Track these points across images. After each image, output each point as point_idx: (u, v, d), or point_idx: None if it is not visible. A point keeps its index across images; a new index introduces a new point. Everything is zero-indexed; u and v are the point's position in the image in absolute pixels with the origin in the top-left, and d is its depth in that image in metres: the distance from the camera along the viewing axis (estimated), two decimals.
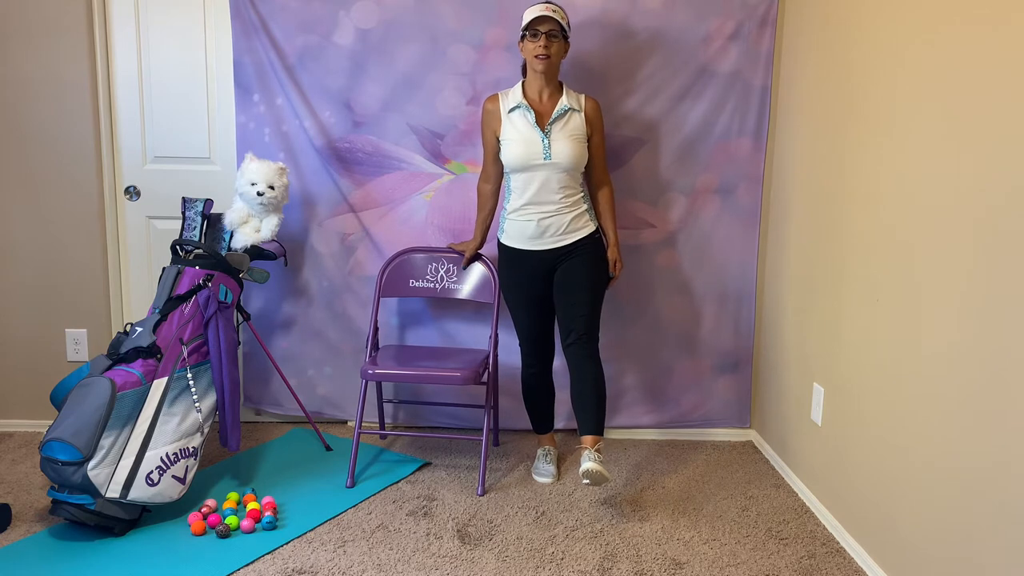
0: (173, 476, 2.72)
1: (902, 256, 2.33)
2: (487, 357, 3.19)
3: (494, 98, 3.02)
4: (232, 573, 2.46)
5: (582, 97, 3.01)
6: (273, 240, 3.18)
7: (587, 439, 2.84)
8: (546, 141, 2.90)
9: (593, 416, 2.87)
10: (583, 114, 2.97)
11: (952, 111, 2.10)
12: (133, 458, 2.65)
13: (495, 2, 3.27)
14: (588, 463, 2.73)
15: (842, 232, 2.72)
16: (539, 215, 2.95)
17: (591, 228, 3.01)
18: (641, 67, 3.31)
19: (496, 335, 3.22)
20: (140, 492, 2.64)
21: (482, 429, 3.12)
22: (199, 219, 3.16)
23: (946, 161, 2.12)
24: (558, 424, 3.46)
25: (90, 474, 2.55)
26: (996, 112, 1.92)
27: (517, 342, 3.16)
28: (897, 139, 2.37)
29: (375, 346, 3.29)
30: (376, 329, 3.29)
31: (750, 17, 3.28)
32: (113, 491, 2.59)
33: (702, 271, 3.46)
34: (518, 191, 2.97)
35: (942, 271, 2.13)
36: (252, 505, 2.77)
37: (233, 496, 2.85)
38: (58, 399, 2.83)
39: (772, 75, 3.32)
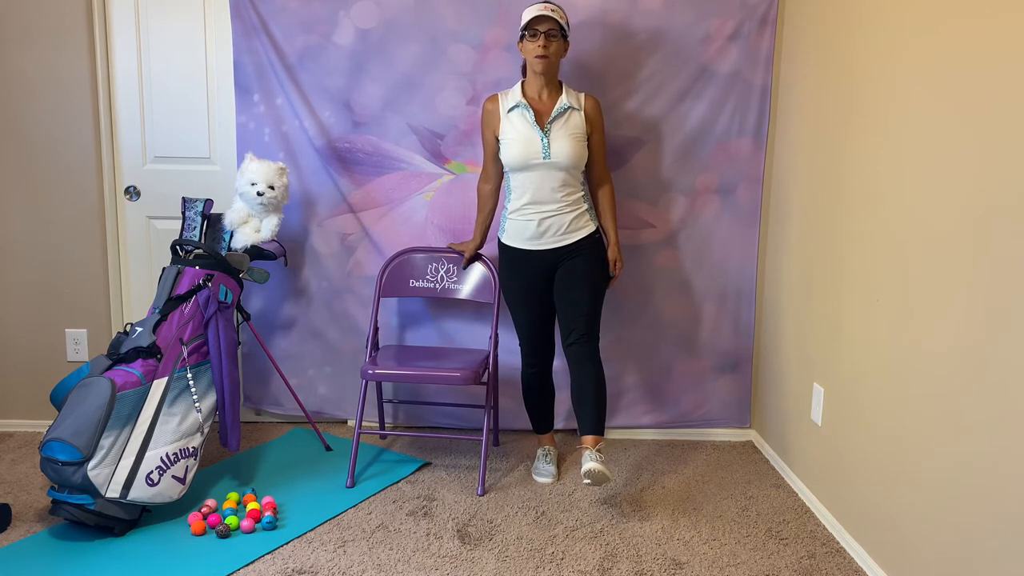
0: (173, 476, 2.72)
1: (902, 256, 2.33)
2: (487, 357, 3.19)
3: (493, 98, 3.02)
4: (232, 573, 2.46)
5: (582, 96, 3.01)
6: (273, 240, 3.18)
7: (588, 439, 2.85)
8: (545, 140, 2.90)
9: (593, 416, 2.87)
10: (583, 112, 2.97)
11: (952, 111, 2.10)
12: (133, 458, 2.65)
13: (495, 2, 3.27)
14: (590, 463, 2.73)
15: (842, 232, 2.72)
16: (539, 215, 2.95)
17: (591, 228, 3.01)
18: (641, 67, 3.31)
19: (496, 335, 3.22)
20: (140, 492, 2.64)
21: (482, 429, 3.12)
22: (199, 219, 3.16)
23: (946, 161, 2.12)
24: (558, 424, 3.46)
25: (90, 474, 2.55)
26: (996, 112, 1.92)
27: (517, 342, 3.16)
28: (897, 139, 2.37)
29: (375, 346, 3.29)
30: (376, 329, 3.29)
31: (750, 17, 3.28)
32: (113, 491, 2.59)
33: (702, 271, 3.46)
34: (518, 190, 2.97)
35: (942, 271, 2.13)
36: (252, 505, 2.76)
37: (233, 496, 2.85)
38: (58, 399, 2.83)
39: (772, 75, 3.32)
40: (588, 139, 2.98)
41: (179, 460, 2.74)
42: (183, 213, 3.17)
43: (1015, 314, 1.85)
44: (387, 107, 3.36)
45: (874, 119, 2.51)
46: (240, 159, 3.37)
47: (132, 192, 3.50)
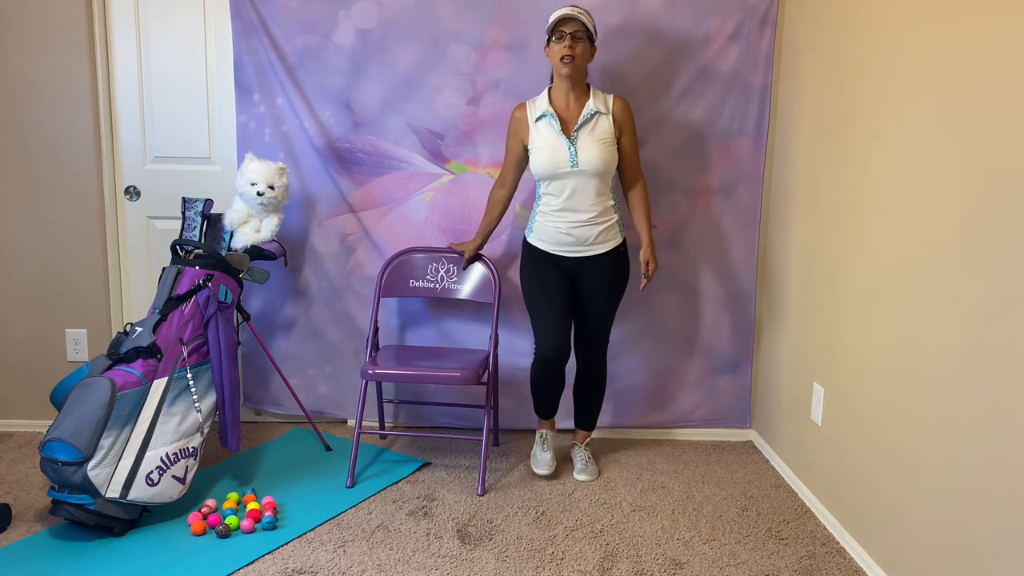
0: (173, 476, 2.72)
1: (902, 256, 2.33)
2: (487, 357, 3.18)
3: (522, 107, 3.01)
4: (232, 573, 2.46)
5: (610, 98, 2.99)
6: (273, 240, 3.18)
7: (580, 434, 3.29)
8: (572, 149, 2.89)
9: (586, 415, 3.26)
10: (611, 116, 2.95)
11: (952, 110, 2.10)
12: (133, 458, 2.65)
13: (495, 2, 3.27)
14: (582, 476, 3.13)
15: (842, 232, 2.72)
16: (570, 224, 2.94)
17: (617, 241, 3.02)
18: (641, 67, 3.31)
19: (496, 335, 3.22)
20: (140, 492, 2.64)
21: (482, 429, 3.12)
22: (199, 219, 3.16)
23: (946, 161, 2.12)
24: (558, 424, 3.45)
25: (90, 474, 2.55)
26: (996, 111, 1.92)
27: (517, 342, 3.16)
28: (897, 139, 2.37)
29: (375, 346, 3.29)
30: (376, 329, 3.29)
31: (750, 17, 3.28)
32: (113, 491, 2.59)
33: (702, 271, 3.46)
34: (552, 195, 2.96)
35: (942, 271, 2.13)
36: (252, 505, 2.76)
37: (233, 496, 2.85)
38: (58, 399, 2.83)
39: (772, 75, 3.32)
40: (618, 142, 2.97)
41: (179, 460, 2.74)
42: (183, 213, 3.17)
43: (1015, 314, 1.85)
44: (387, 107, 3.36)
45: (874, 119, 2.51)
46: (240, 159, 3.37)
47: (132, 192, 3.50)
